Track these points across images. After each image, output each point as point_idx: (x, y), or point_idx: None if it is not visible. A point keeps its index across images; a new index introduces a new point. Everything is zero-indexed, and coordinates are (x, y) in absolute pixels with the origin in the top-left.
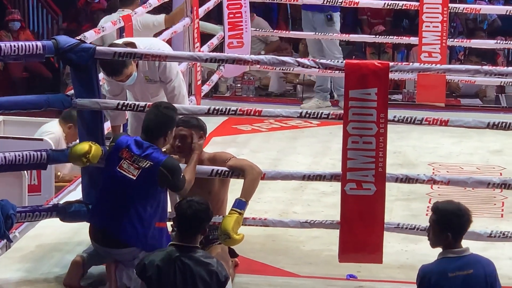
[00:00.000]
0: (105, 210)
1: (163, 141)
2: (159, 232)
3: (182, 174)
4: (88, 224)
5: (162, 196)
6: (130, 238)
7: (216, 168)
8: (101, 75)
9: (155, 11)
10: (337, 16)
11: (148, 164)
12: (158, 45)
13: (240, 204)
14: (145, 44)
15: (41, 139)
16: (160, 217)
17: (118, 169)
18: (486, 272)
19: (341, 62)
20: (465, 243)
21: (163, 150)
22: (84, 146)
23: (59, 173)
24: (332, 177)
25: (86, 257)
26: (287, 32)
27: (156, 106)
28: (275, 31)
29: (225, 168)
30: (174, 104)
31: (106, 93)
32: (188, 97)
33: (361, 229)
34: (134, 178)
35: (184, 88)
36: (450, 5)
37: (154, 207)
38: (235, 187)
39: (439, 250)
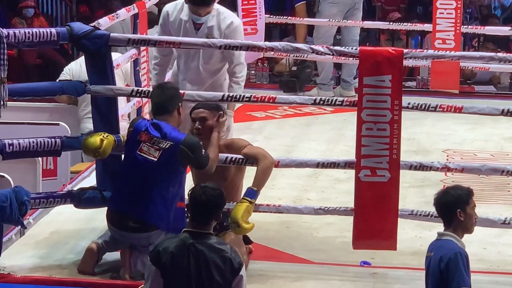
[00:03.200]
0: (127, 193)
1: (177, 115)
2: (181, 212)
3: (204, 151)
4: (103, 210)
5: (183, 175)
6: (155, 220)
7: (230, 155)
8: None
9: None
10: None
11: (168, 144)
12: (229, 12)
13: (251, 193)
14: (219, 6)
15: (57, 124)
16: (181, 197)
17: (139, 152)
18: (442, 258)
19: (355, 49)
20: (478, 229)
21: None
22: (96, 140)
23: None
24: (346, 165)
25: (101, 244)
26: (301, 19)
27: (158, 86)
28: (289, 18)
29: (239, 156)
30: (238, 78)
31: (156, 53)
32: None
33: (375, 216)
34: (156, 159)
35: (244, 56)
36: None
37: (176, 187)
38: (250, 173)
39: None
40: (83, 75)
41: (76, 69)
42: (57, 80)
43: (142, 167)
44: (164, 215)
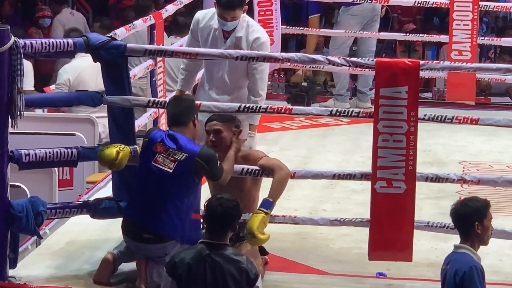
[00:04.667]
0: (142, 204)
1: (193, 127)
2: (196, 223)
3: (218, 162)
4: (119, 220)
5: (198, 187)
6: (169, 231)
7: (246, 167)
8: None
9: (186, 9)
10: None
11: (184, 156)
12: (258, 25)
13: (267, 204)
14: (249, 18)
15: (74, 134)
16: (195, 209)
17: (154, 163)
18: (458, 271)
19: (372, 60)
20: (494, 241)
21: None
22: (112, 152)
23: None
24: (363, 176)
25: (116, 254)
26: (318, 30)
27: (174, 97)
28: (305, 29)
29: (256, 167)
30: (257, 98)
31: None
32: None
33: (391, 227)
34: (171, 171)
35: (267, 75)
36: (481, 3)
37: (191, 198)
38: (267, 184)
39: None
40: (83, 76)
41: (73, 75)
42: (56, 84)
43: (157, 178)
44: (179, 227)
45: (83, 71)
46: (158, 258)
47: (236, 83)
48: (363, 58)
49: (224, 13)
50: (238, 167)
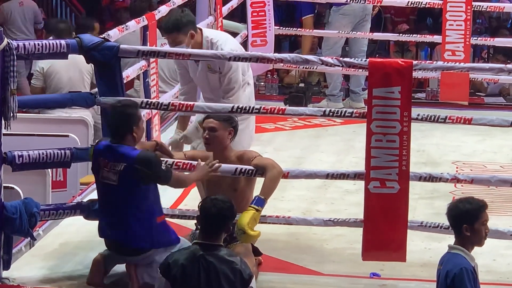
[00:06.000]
0: (107, 221)
1: (132, 138)
2: (163, 226)
3: (164, 165)
4: None
5: (152, 191)
6: (139, 242)
7: (240, 166)
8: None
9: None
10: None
11: (122, 166)
12: (224, 39)
13: (259, 202)
14: (213, 34)
15: (67, 135)
16: (158, 212)
17: (101, 179)
18: (448, 273)
19: (365, 60)
20: (488, 241)
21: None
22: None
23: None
24: (356, 176)
25: (106, 255)
26: (311, 30)
27: (112, 106)
28: (299, 29)
29: (249, 167)
30: (229, 98)
31: (180, 84)
32: None
33: (384, 227)
34: (116, 183)
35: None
36: (474, 3)
37: (149, 204)
38: (260, 185)
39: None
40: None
41: (47, 64)
42: (32, 82)
43: (108, 193)
44: (145, 236)
45: (56, 62)
46: (147, 265)
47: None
48: (356, 58)
49: (165, 37)
50: (231, 167)
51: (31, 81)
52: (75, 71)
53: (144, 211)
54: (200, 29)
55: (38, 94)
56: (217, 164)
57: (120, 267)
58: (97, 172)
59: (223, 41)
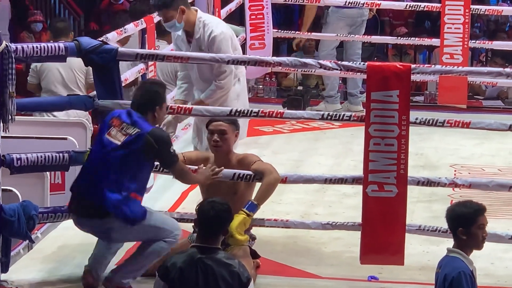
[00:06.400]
0: (87, 175)
1: (152, 117)
2: (134, 203)
3: (173, 149)
4: None
5: (144, 169)
6: (106, 202)
7: (238, 171)
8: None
9: None
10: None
11: (136, 131)
12: (216, 22)
13: (251, 206)
14: (207, 16)
15: (65, 138)
16: (137, 190)
17: (106, 135)
18: (446, 276)
19: (363, 64)
20: (486, 244)
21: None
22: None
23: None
24: (354, 181)
25: (91, 263)
26: (309, 33)
27: (142, 82)
28: (297, 32)
29: (247, 172)
30: (221, 81)
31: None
32: None
33: (382, 231)
34: (119, 143)
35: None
36: (472, 6)
37: (136, 177)
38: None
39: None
40: (48, 64)
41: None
42: (28, 79)
43: (106, 149)
44: (117, 200)
45: None
46: (102, 234)
47: (210, 81)
48: (354, 62)
49: (159, 15)
50: (230, 172)
51: (28, 78)
52: (67, 70)
53: (126, 180)
54: (196, 10)
55: (34, 90)
56: (217, 169)
57: None
58: (103, 130)
59: (215, 24)
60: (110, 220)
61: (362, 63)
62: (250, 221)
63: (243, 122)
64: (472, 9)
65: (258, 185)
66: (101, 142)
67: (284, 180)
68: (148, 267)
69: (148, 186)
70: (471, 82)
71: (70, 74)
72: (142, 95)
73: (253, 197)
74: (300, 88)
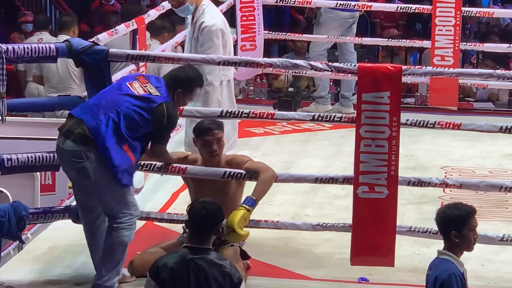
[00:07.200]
0: (93, 106)
1: (172, 95)
2: (123, 154)
3: (169, 136)
4: None
5: (144, 138)
6: (96, 133)
7: (229, 170)
8: None
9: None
10: None
11: (157, 93)
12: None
13: (250, 202)
14: (210, 8)
15: (56, 139)
16: (130, 147)
17: (127, 84)
18: (437, 278)
19: (354, 65)
20: (476, 246)
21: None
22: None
23: None
24: (345, 180)
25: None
26: (300, 35)
27: (188, 64)
28: (288, 34)
29: (238, 170)
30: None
31: None
32: None
33: (373, 232)
34: (136, 94)
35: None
36: (463, 8)
37: (134, 135)
38: (249, 189)
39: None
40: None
41: None
42: (33, 71)
43: (121, 92)
44: (106, 135)
45: None
46: (76, 171)
47: None
48: (345, 63)
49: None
50: (220, 170)
51: (33, 70)
52: (61, 62)
53: (124, 128)
54: None
55: (38, 82)
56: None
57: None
58: (126, 78)
59: (212, 15)
60: (91, 150)
61: (353, 64)
62: (250, 215)
63: (233, 131)
64: (463, 11)
65: (248, 186)
66: (120, 86)
67: (275, 179)
68: (124, 259)
69: (138, 187)
70: (462, 84)
71: (64, 66)
72: (178, 71)
73: (243, 198)
74: (291, 89)
